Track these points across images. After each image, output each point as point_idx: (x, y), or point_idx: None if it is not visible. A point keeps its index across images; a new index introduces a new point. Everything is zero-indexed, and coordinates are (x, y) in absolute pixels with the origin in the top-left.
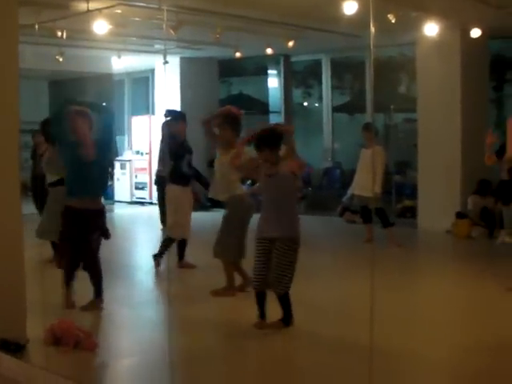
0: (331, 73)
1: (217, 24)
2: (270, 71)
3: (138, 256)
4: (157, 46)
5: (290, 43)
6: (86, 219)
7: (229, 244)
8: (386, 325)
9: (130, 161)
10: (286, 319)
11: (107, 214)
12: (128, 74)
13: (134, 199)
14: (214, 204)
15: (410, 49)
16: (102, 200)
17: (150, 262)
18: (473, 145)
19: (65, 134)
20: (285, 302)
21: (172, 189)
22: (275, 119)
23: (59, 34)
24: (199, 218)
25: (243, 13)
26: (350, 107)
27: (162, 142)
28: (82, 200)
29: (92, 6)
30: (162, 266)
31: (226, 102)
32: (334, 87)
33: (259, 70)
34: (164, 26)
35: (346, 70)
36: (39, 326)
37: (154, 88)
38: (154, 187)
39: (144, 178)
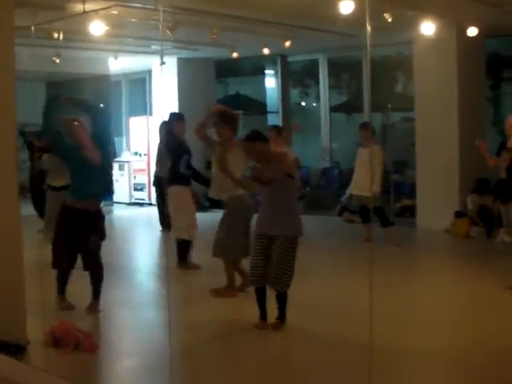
0: (328, 72)
1: (213, 24)
2: (267, 71)
3: (138, 257)
4: (153, 47)
5: (287, 43)
6: (84, 220)
7: (229, 244)
8: (385, 323)
9: (128, 162)
10: (282, 317)
11: (106, 216)
12: (125, 75)
13: (133, 200)
14: (213, 204)
15: (406, 48)
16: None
17: (150, 263)
18: (471, 143)
19: (62, 138)
20: (283, 300)
21: (172, 190)
22: (273, 119)
23: (56, 35)
24: (198, 218)
25: (240, 13)
26: (347, 107)
27: (160, 142)
28: (81, 201)
29: (88, 7)
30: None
31: (223, 103)
32: (331, 87)
33: (256, 70)
34: (160, 27)
35: (343, 69)
36: (39, 328)
37: (151, 89)
38: (153, 188)
39: (143, 179)
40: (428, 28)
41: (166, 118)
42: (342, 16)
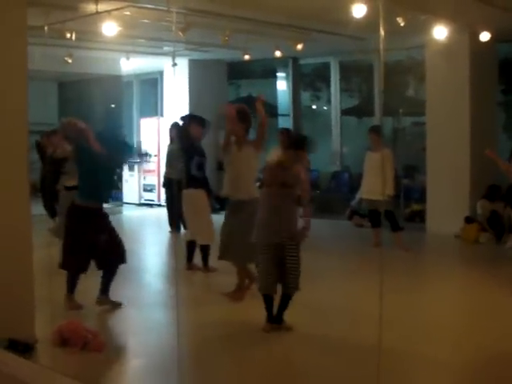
0: (340, 76)
1: (225, 26)
2: (278, 74)
3: (147, 258)
4: (165, 48)
5: (299, 46)
6: (90, 219)
7: (248, 247)
8: (394, 328)
9: (138, 162)
10: (281, 317)
11: (115, 216)
12: (137, 75)
13: (143, 201)
14: (224, 207)
15: (418, 52)
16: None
17: (158, 264)
18: (481, 148)
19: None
20: (288, 301)
21: (187, 193)
22: (284, 122)
23: (68, 35)
24: None
25: (252, 15)
26: (358, 110)
27: (170, 143)
28: (86, 201)
29: (101, 7)
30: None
31: None
32: (342, 90)
33: (268, 73)
34: (173, 28)
35: (355, 72)
36: (48, 327)
37: (162, 90)
38: (163, 189)
39: (152, 179)
40: (440, 32)
41: (177, 120)
42: (354, 19)
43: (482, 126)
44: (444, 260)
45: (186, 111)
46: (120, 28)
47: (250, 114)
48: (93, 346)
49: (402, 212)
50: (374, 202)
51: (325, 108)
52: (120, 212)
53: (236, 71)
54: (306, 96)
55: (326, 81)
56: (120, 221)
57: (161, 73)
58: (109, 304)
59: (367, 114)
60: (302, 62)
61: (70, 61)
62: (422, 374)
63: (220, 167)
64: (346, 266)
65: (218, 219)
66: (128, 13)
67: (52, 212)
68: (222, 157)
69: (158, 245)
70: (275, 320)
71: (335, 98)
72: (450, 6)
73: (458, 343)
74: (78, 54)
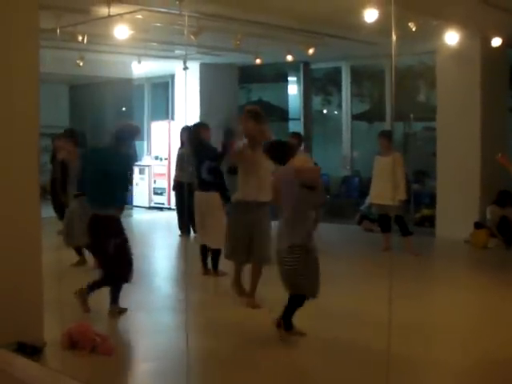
0: (351, 80)
1: (237, 30)
2: (289, 78)
3: (156, 261)
4: (177, 52)
5: (310, 50)
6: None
7: (268, 249)
8: (403, 333)
9: (149, 166)
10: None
11: (125, 219)
12: (148, 79)
13: (153, 204)
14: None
15: (429, 57)
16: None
17: (168, 268)
18: (492, 154)
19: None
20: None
21: (196, 194)
22: (295, 126)
23: (80, 38)
24: None
25: (264, 19)
26: (369, 115)
27: (180, 147)
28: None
29: (113, 11)
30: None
31: None
32: (353, 95)
33: (279, 77)
34: (185, 32)
35: (366, 77)
36: (56, 330)
37: (173, 93)
38: (173, 193)
39: (163, 183)
40: (451, 38)
41: (189, 123)
42: (365, 24)
43: (492, 131)
44: (453, 265)
45: (197, 115)
46: (132, 31)
47: (263, 115)
48: (102, 350)
49: (412, 217)
50: (384, 207)
51: (336, 112)
52: (130, 215)
53: (247, 75)
54: (317, 100)
55: (337, 85)
56: (130, 224)
57: (172, 76)
58: (121, 311)
59: (378, 119)
60: (313, 66)
61: (81, 64)
62: (430, 378)
63: (231, 171)
64: (355, 270)
65: None
66: (140, 16)
67: (61, 214)
68: (233, 161)
69: (167, 248)
70: (286, 327)
71: (346, 103)
72: (461, 11)
73: (466, 348)
74: (89, 57)
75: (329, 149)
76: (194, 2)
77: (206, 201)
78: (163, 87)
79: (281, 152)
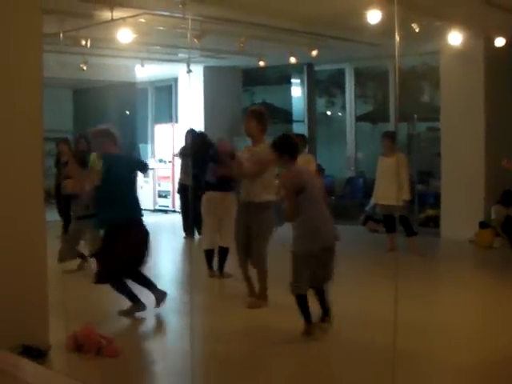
0: (354, 82)
1: (241, 33)
2: (293, 80)
3: (161, 264)
4: (180, 55)
5: (314, 52)
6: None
7: (265, 252)
8: (408, 331)
9: (153, 169)
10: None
11: None
12: (151, 82)
13: (157, 207)
14: None
15: (433, 58)
16: None
17: (173, 270)
18: (496, 154)
19: None
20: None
21: (210, 196)
22: (298, 128)
23: (83, 42)
24: None
25: (267, 22)
26: (373, 116)
27: (183, 149)
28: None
29: (116, 15)
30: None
31: None
32: (357, 96)
33: (282, 79)
34: (188, 35)
35: (370, 79)
36: (62, 333)
37: (177, 96)
38: (177, 195)
39: (167, 186)
40: (455, 38)
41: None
42: (369, 26)
43: (496, 131)
44: (458, 265)
45: (201, 118)
46: (135, 35)
47: (265, 114)
48: (107, 352)
49: (417, 217)
50: (388, 207)
51: (340, 114)
52: None
53: (251, 78)
54: (320, 102)
55: (341, 87)
56: None
57: (175, 79)
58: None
59: (382, 120)
60: (316, 68)
61: (84, 68)
62: (435, 376)
63: None
64: (360, 270)
65: None
66: (143, 20)
67: (66, 218)
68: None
69: (172, 251)
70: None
71: (350, 104)
72: (464, 12)
73: (471, 347)
74: (92, 61)
75: (333, 150)
76: (197, 5)
77: (222, 200)
78: (167, 90)
79: (294, 146)
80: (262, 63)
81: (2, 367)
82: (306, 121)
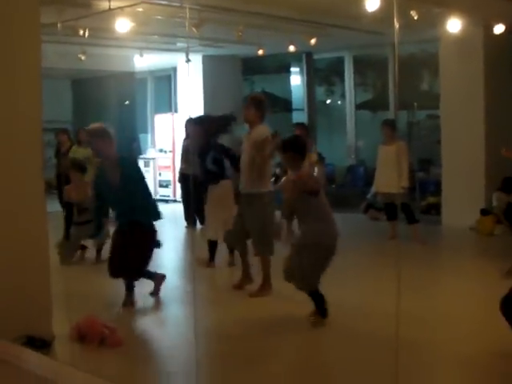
0: (354, 70)
1: (239, 22)
2: (292, 69)
3: (163, 253)
4: (179, 44)
5: (313, 41)
6: None
7: (271, 240)
8: (411, 320)
9: (153, 159)
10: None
11: None
12: (150, 72)
13: (158, 197)
14: None
15: (432, 45)
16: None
17: (175, 260)
18: (496, 141)
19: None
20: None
21: (211, 187)
22: (298, 117)
23: (81, 32)
24: None
25: (265, 10)
26: (372, 104)
27: (185, 139)
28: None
29: (114, 4)
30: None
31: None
32: (356, 84)
33: (282, 68)
34: (186, 24)
35: (369, 67)
36: (65, 323)
37: (176, 86)
38: (178, 185)
39: (168, 175)
40: (454, 25)
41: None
42: (368, 13)
43: (496, 118)
44: (460, 253)
45: (200, 107)
46: (133, 24)
47: (264, 101)
48: (110, 342)
49: (418, 205)
50: (389, 195)
51: (339, 102)
52: None
53: (250, 67)
54: (320, 91)
55: (341, 75)
56: None
57: (175, 69)
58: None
59: (382, 108)
60: (316, 56)
61: (83, 58)
62: (437, 366)
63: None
64: (362, 259)
65: None
66: (141, 9)
67: (68, 209)
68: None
69: (174, 240)
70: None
71: (349, 93)
72: None
73: (474, 335)
74: (91, 51)
75: (333, 139)
76: None
77: (219, 192)
78: (166, 80)
79: (303, 146)
80: (260, 52)
81: (5, 358)
82: (306, 109)
